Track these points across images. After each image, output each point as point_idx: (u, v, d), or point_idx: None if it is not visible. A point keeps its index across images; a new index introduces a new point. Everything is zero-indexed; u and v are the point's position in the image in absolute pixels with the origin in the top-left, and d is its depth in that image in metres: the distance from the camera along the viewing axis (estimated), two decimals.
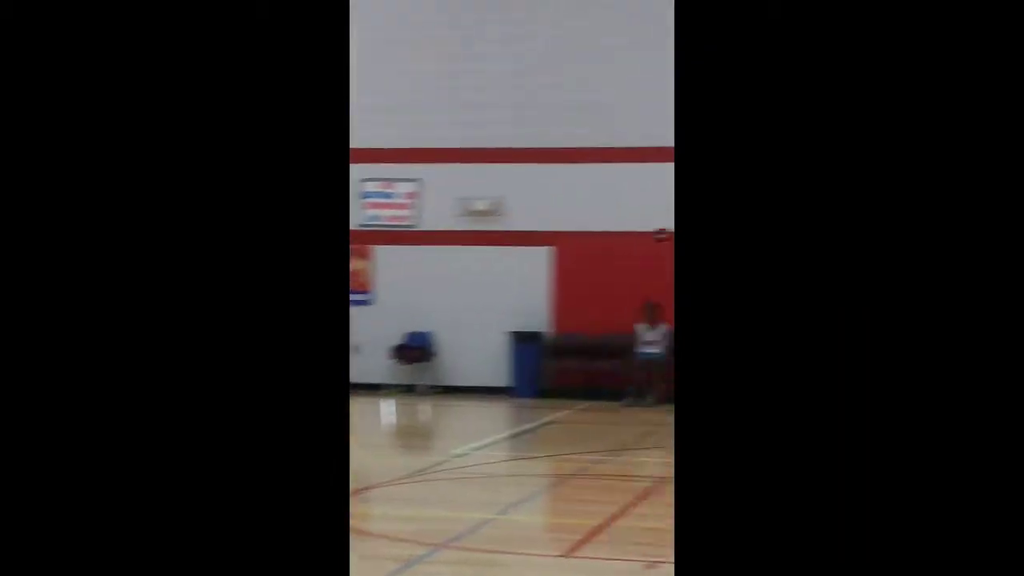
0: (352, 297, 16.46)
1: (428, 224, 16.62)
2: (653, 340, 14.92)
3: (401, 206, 16.78)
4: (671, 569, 5.94)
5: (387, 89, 16.39)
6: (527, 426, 13.04)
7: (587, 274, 15.73)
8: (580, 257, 15.87)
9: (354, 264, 16.64)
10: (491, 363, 16.24)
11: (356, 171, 16.39)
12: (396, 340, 16.36)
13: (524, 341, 15.85)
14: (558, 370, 15.72)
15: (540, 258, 16.18)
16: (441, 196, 16.51)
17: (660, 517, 7.42)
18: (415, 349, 16.44)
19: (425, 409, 15.19)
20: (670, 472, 9.86)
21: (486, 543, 6.52)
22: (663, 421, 13.34)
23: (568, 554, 6.25)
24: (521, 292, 16.12)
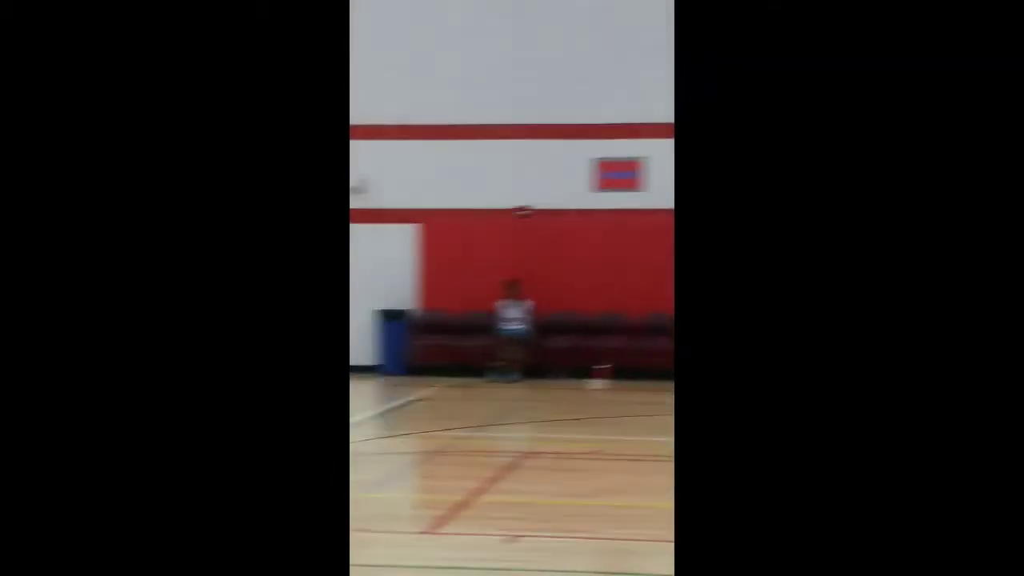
0: None
1: None
2: (515, 317, 15.17)
3: None
4: (533, 542, 6.17)
5: None
6: (394, 404, 13.17)
7: (452, 252, 15.88)
8: (445, 234, 16.00)
9: None
10: (358, 341, 16.29)
11: None
12: None
13: (391, 319, 15.94)
14: (424, 347, 15.86)
15: (406, 236, 16.27)
16: None
17: (522, 492, 7.64)
18: None
19: None
20: (532, 447, 10.11)
21: (351, 521, 6.63)
22: (525, 397, 13.61)
23: (432, 530, 6.41)
24: (387, 270, 16.19)
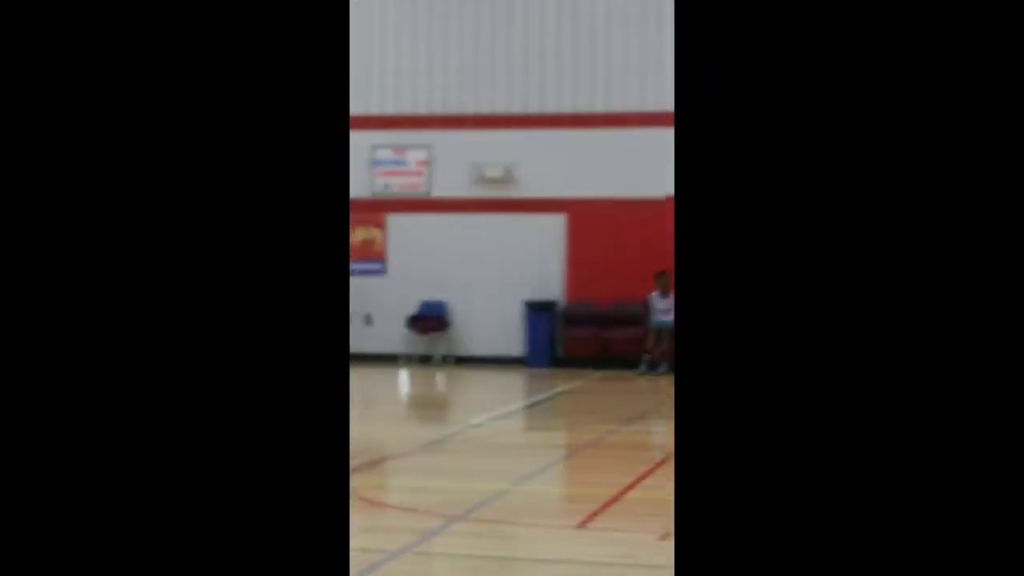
0: (366, 267, 16.47)
1: (440, 192, 16.60)
2: (666, 309, 14.91)
3: (414, 173, 16.74)
4: None
5: (399, 55, 16.33)
6: (541, 396, 13.08)
7: (599, 242, 15.70)
8: (592, 225, 15.84)
9: (367, 233, 16.64)
10: (505, 333, 16.26)
11: (368, 138, 16.38)
12: (410, 310, 16.39)
13: (538, 310, 15.86)
14: (572, 339, 15.74)
15: (553, 226, 16.16)
16: (453, 163, 16.47)
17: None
18: (429, 319, 16.47)
19: (440, 379, 15.23)
20: None
21: (501, 514, 6.55)
22: None
23: (583, 525, 6.27)
24: (534, 261, 16.11)
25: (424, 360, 16.42)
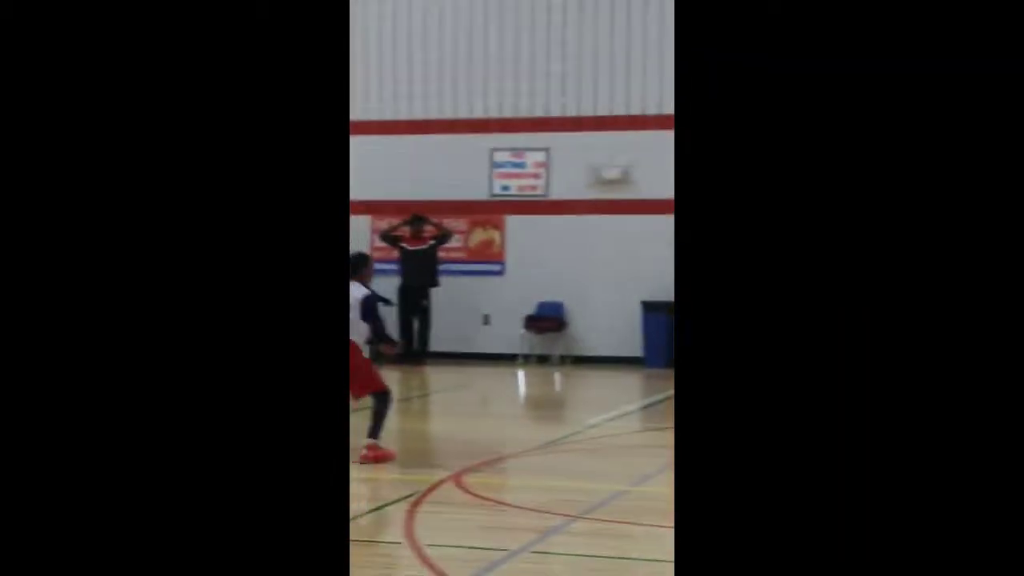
0: (484, 267, 16.64)
1: (558, 193, 16.68)
2: None
3: (532, 175, 16.85)
4: None
5: (517, 59, 16.46)
6: (659, 396, 13.07)
7: None
8: None
9: (486, 234, 16.80)
10: (622, 333, 16.27)
11: (487, 141, 16.54)
12: (527, 310, 16.50)
13: (655, 311, 15.83)
14: None
15: (670, 226, 16.09)
16: (571, 165, 16.54)
17: None
18: (546, 319, 16.55)
19: (557, 379, 15.31)
20: None
21: (620, 514, 6.60)
22: None
23: None
24: (651, 261, 16.07)
25: (541, 360, 16.52)
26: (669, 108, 16.00)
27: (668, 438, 10.34)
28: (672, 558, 5.69)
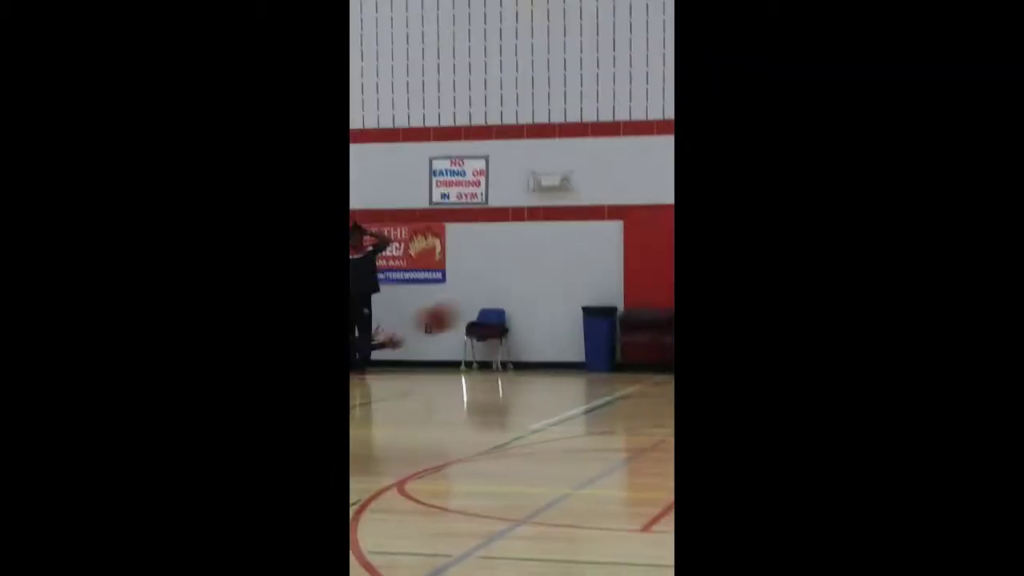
0: (425, 275, 16.61)
1: (498, 201, 16.70)
2: None
3: (472, 183, 16.86)
4: None
5: (456, 69, 16.46)
6: (601, 401, 13.11)
7: (656, 247, 15.71)
8: (649, 231, 15.85)
9: (427, 243, 16.77)
10: (564, 339, 16.31)
11: (426, 149, 16.53)
12: (470, 317, 16.49)
13: (597, 316, 15.89)
14: (631, 344, 15.75)
15: (611, 232, 16.19)
16: (510, 173, 16.57)
17: None
18: (488, 326, 16.56)
19: (500, 385, 15.31)
20: None
21: (565, 518, 6.59)
22: None
23: (647, 528, 6.31)
24: (592, 267, 16.15)
25: (484, 367, 16.51)
26: (607, 116, 16.10)
27: (612, 442, 10.39)
28: (619, 560, 5.70)
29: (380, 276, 16.22)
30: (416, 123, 16.77)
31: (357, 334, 16.07)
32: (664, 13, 15.91)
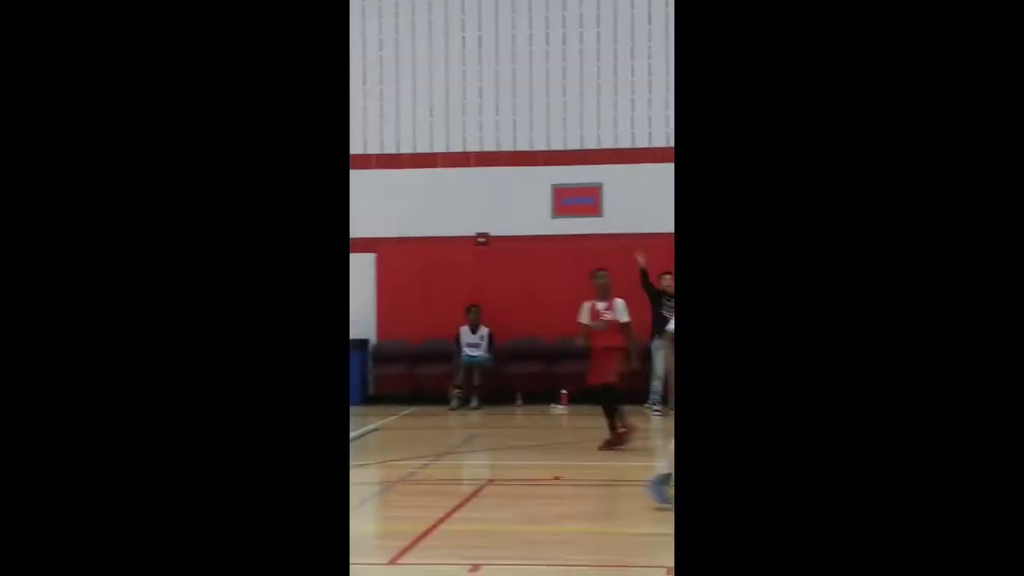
0: None
1: None
2: (475, 343, 15.13)
3: None
4: (494, 570, 6.11)
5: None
6: (352, 434, 13.08)
7: (409, 280, 15.83)
8: (402, 263, 15.96)
9: None
10: None
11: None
12: None
13: (350, 349, 15.86)
14: (383, 377, 15.80)
15: (363, 265, 16.21)
16: None
17: (484, 520, 7.59)
18: None
19: None
20: (495, 475, 10.05)
21: None
22: (487, 424, 13.56)
23: (393, 561, 6.35)
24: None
25: None
26: (359, 148, 16.14)
27: (362, 475, 10.37)
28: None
29: None
30: None
31: None
32: (436, 36, 16.10)
